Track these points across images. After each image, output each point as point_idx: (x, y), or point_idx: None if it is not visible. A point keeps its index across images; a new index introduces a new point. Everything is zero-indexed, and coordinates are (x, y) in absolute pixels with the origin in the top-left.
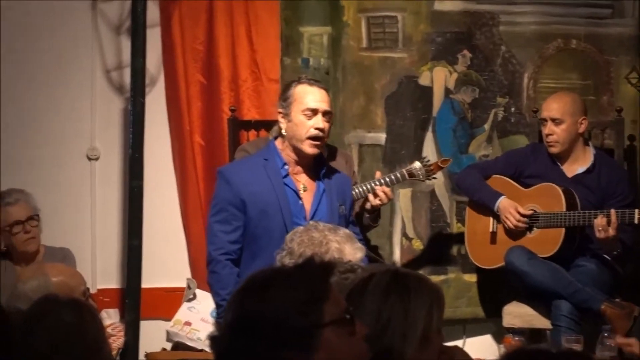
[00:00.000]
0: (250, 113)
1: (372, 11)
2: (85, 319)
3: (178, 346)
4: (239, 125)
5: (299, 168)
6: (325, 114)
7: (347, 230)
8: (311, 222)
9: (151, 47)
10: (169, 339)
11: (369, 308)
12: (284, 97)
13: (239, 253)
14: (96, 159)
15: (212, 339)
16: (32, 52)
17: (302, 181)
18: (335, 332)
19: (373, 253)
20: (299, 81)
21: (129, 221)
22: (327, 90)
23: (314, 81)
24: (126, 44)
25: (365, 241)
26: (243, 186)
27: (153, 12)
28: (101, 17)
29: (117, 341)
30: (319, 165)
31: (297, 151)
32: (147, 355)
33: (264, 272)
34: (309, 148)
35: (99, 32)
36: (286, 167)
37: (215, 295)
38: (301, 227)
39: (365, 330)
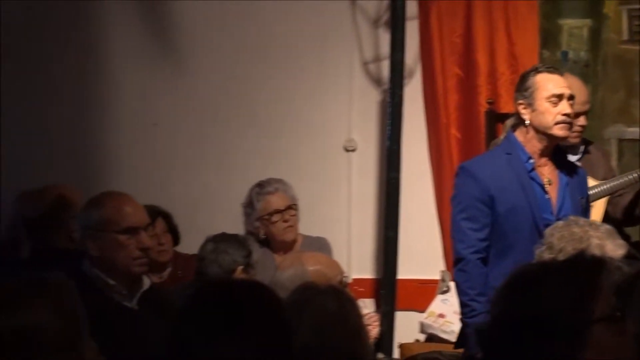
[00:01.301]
0: (507, 106)
1: (633, 3)
2: (346, 306)
3: (432, 338)
4: (496, 118)
5: (543, 160)
6: (569, 98)
7: (608, 226)
8: (571, 217)
9: (409, 40)
10: (422, 331)
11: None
12: (524, 88)
13: (487, 251)
14: (353, 151)
15: (478, 332)
16: (291, 45)
17: (546, 174)
18: (605, 330)
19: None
20: (536, 70)
21: (386, 213)
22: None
23: (553, 68)
24: (384, 37)
25: (625, 237)
26: (491, 182)
27: (410, 5)
28: (360, 11)
29: (372, 331)
30: (557, 157)
31: (545, 139)
32: (401, 346)
33: (531, 267)
34: (559, 131)
35: (358, 26)
36: (531, 160)
37: (462, 294)
38: (561, 222)
39: (635, 330)
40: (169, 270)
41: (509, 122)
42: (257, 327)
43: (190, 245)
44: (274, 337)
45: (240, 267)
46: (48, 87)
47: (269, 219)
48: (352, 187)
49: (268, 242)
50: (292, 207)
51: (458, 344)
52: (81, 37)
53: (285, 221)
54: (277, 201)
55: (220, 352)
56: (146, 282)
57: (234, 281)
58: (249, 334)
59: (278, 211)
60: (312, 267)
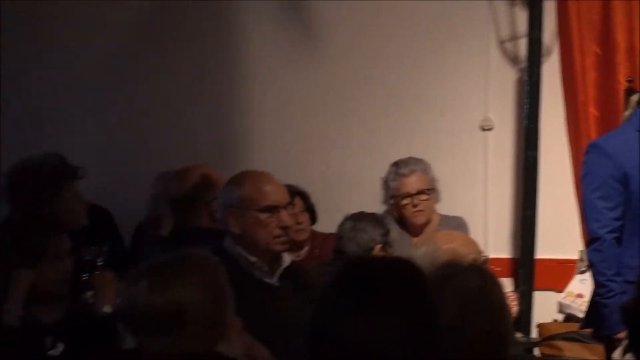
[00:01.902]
0: None
1: None
2: (488, 284)
3: (570, 318)
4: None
5: None
6: None
7: None
8: None
9: (546, 18)
10: (560, 311)
11: None
12: None
13: (621, 231)
14: (490, 130)
15: (624, 311)
16: (428, 24)
17: None
18: None
19: None
20: None
21: (524, 192)
22: None
23: None
24: (521, 15)
25: None
26: (625, 159)
27: None
28: None
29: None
30: None
31: None
32: (539, 325)
33: None
34: None
35: (494, 4)
36: None
37: (598, 274)
38: None
39: None
40: (306, 248)
41: (635, 97)
42: (405, 304)
43: (327, 224)
44: (421, 314)
45: (379, 246)
46: (195, 71)
47: (399, 201)
48: (489, 166)
49: (404, 223)
50: (424, 191)
51: (587, 323)
52: (224, 25)
53: (415, 205)
54: (409, 184)
55: (369, 328)
56: (286, 259)
57: (382, 258)
58: (398, 310)
59: (408, 195)
60: (445, 245)
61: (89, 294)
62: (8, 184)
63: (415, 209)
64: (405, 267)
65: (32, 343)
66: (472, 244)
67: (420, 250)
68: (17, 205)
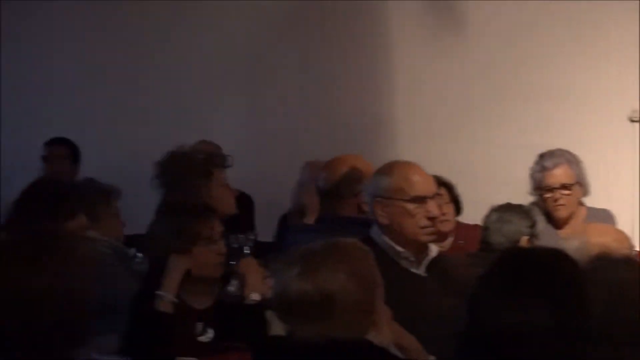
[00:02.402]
0: None
1: None
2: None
3: None
4: None
5: None
6: None
7: None
8: None
9: None
10: None
11: None
12: None
13: None
14: (638, 121)
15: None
16: (575, 15)
17: None
18: None
19: None
20: None
21: None
22: None
23: None
24: None
25: None
26: None
27: None
28: None
29: None
30: None
31: None
32: None
33: None
34: None
35: None
36: None
37: None
38: None
39: None
40: (450, 239)
41: None
42: (561, 294)
43: (471, 215)
44: (575, 304)
45: (525, 238)
46: (341, 63)
47: (542, 194)
48: (637, 158)
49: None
50: (567, 186)
51: None
52: (370, 19)
53: (555, 200)
54: (552, 178)
55: (524, 317)
56: (433, 250)
57: (537, 249)
58: (553, 300)
59: (550, 188)
60: (597, 238)
61: (235, 281)
62: (161, 171)
63: (556, 203)
64: (560, 259)
65: (183, 329)
66: (624, 238)
67: (571, 243)
68: (170, 192)
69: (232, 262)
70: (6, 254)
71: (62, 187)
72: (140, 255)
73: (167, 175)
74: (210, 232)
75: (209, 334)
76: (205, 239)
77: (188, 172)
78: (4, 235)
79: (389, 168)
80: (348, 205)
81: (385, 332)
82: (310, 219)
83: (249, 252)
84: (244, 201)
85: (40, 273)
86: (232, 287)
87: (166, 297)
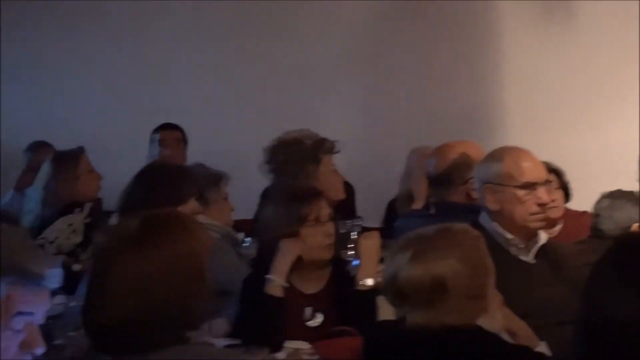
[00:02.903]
0: None
1: None
2: None
3: None
4: None
5: None
6: None
7: None
8: None
9: None
10: None
11: None
12: None
13: None
14: None
15: None
16: None
17: None
18: None
19: None
20: None
21: None
22: None
23: None
24: None
25: None
26: None
27: None
28: None
29: None
30: None
31: None
32: None
33: None
34: None
35: None
36: None
37: None
38: None
39: None
40: (559, 226)
41: None
42: None
43: (580, 202)
44: None
45: (636, 224)
46: (450, 50)
47: None
48: None
49: None
50: None
51: None
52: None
53: None
54: None
55: None
56: (543, 237)
57: None
58: None
59: None
60: None
61: (348, 266)
62: (271, 156)
63: None
64: None
65: (292, 313)
66: None
67: None
68: (278, 177)
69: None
70: (122, 236)
71: (176, 171)
72: (248, 239)
73: (276, 161)
74: (318, 214)
75: (318, 319)
76: (314, 220)
77: (297, 158)
78: (119, 218)
79: (500, 154)
80: (457, 191)
81: (496, 318)
82: (418, 205)
83: (356, 237)
84: (346, 189)
85: (156, 255)
86: (346, 272)
87: (276, 281)
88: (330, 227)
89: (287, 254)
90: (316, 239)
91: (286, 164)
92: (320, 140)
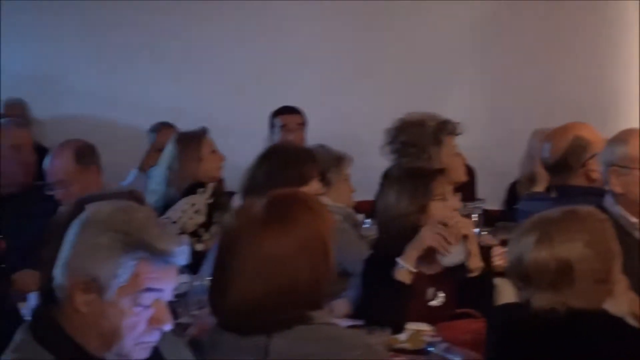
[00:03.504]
0: None
1: None
2: None
3: None
4: None
5: None
6: None
7: None
8: None
9: None
10: None
11: None
12: None
13: None
14: None
15: None
16: None
17: None
18: None
19: None
20: None
21: None
22: None
23: None
24: None
25: None
26: None
27: None
28: None
29: None
30: None
31: None
32: None
33: None
34: None
35: None
36: None
37: None
38: None
39: None
40: None
41: None
42: None
43: None
44: None
45: None
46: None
47: None
48: None
49: None
50: None
51: None
52: None
53: None
54: None
55: None
56: None
57: None
58: None
59: None
60: None
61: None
62: (393, 137)
63: None
64: None
65: (415, 294)
66: None
67: None
68: (401, 158)
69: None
70: (248, 217)
71: (299, 152)
72: (368, 220)
73: (399, 142)
74: (442, 190)
75: (440, 298)
76: (439, 195)
77: (419, 139)
78: (242, 198)
79: (626, 136)
80: (577, 174)
81: (622, 302)
82: (540, 188)
83: (476, 219)
84: (468, 171)
85: (282, 235)
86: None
87: (406, 267)
88: (455, 201)
89: (423, 242)
90: (442, 212)
91: (408, 145)
92: (443, 121)
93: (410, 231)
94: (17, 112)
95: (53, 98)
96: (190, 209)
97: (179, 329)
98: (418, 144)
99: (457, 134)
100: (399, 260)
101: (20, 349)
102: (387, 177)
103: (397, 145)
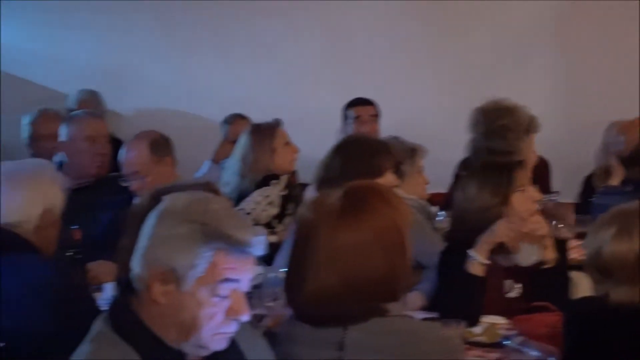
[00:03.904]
0: None
1: None
2: None
3: None
4: None
5: None
6: None
7: None
8: None
9: None
10: None
11: None
12: None
13: None
14: None
15: None
16: None
17: None
18: None
19: None
20: None
21: None
22: None
23: None
24: None
25: None
26: None
27: None
28: None
29: None
30: None
31: None
32: None
33: None
34: None
35: None
36: None
37: None
38: None
39: None
40: None
41: None
42: None
43: None
44: None
45: None
46: None
47: None
48: None
49: None
50: None
51: None
52: None
53: None
54: None
55: None
56: None
57: None
58: None
59: None
60: None
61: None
62: (491, 119)
63: None
64: None
65: (491, 287)
66: None
67: None
68: (496, 140)
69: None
70: (324, 208)
71: (374, 144)
72: (442, 212)
73: (497, 125)
74: (523, 182)
75: (517, 290)
76: (520, 187)
77: (517, 125)
78: (316, 190)
79: None
80: None
81: None
82: (615, 181)
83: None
84: (542, 164)
85: (359, 227)
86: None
87: (478, 259)
88: (536, 193)
89: (497, 236)
90: (525, 205)
91: (506, 129)
92: (532, 116)
93: (490, 223)
94: (91, 104)
95: (126, 91)
96: (264, 201)
97: (254, 320)
98: (515, 129)
99: (536, 132)
100: (471, 252)
101: (99, 339)
102: (466, 169)
103: (495, 127)
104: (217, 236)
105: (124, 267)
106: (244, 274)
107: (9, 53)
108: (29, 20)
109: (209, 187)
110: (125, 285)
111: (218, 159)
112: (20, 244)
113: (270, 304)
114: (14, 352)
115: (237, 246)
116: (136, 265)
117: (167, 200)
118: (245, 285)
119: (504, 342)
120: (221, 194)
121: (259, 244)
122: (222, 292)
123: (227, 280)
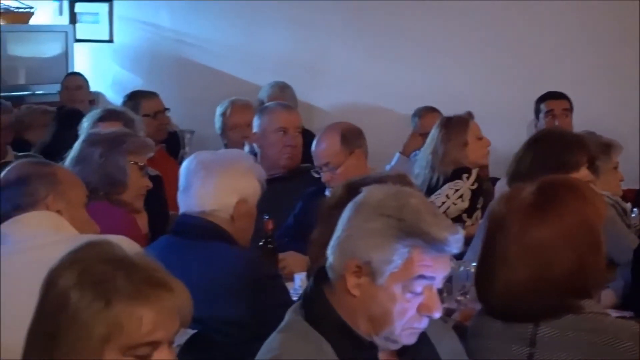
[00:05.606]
0: None
1: None
2: None
3: None
4: None
5: None
6: None
7: None
8: None
9: None
10: None
11: None
12: None
13: None
14: None
15: None
16: None
17: None
18: None
19: None
20: None
21: None
22: None
23: None
24: None
25: None
26: None
27: None
28: None
29: None
30: None
31: None
32: None
33: None
34: None
35: None
36: None
37: None
38: None
39: None
40: None
41: None
42: None
43: None
44: None
45: None
46: None
47: None
48: None
49: None
50: None
51: None
52: None
53: None
54: None
55: None
56: None
57: None
58: None
59: None
60: None
61: None
62: None
63: None
64: None
65: None
66: None
67: None
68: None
69: None
70: (518, 202)
71: (570, 138)
72: (636, 209)
73: None
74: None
75: None
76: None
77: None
78: (508, 184)
79: None
80: None
81: None
82: None
83: None
84: None
85: (553, 222)
86: None
87: None
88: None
89: None
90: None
91: None
92: None
93: None
94: (283, 96)
95: (319, 83)
96: (454, 195)
97: (444, 314)
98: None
99: None
100: None
101: (291, 328)
102: None
103: None
104: (415, 233)
105: (318, 258)
106: (439, 271)
107: (208, 47)
108: (226, 16)
109: (403, 179)
110: (319, 276)
111: (408, 152)
112: (215, 232)
113: (460, 298)
114: (207, 338)
115: (434, 244)
116: (331, 255)
117: (365, 193)
118: (439, 282)
119: None
120: (415, 186)
121: (457, 242)
122: (416, 288)
123: (421, 277)
